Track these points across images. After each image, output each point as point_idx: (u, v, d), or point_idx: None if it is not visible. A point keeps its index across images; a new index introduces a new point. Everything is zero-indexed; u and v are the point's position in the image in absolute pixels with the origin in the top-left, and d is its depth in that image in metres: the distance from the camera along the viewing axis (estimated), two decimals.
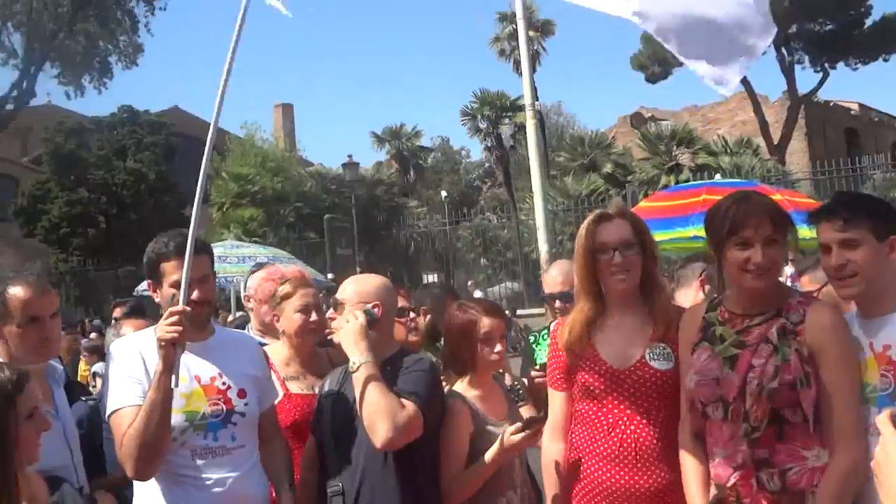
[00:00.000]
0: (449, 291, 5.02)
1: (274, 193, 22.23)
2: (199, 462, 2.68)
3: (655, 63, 32.91)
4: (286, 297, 3.32)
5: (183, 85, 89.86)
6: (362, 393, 2.65)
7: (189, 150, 33.89)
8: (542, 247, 10.85)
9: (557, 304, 3.81)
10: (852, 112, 38.93)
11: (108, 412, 2.69)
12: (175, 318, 2.54)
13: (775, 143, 30.56)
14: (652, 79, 33.94)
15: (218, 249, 12.43)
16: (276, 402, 3.06)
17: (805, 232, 2.86)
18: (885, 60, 31.90)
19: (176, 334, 2.53)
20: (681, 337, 2.63)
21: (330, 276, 13.89)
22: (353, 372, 2.71)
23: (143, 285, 12.94)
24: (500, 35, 30.48)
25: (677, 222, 6.13)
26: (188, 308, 2.59)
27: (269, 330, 3.70)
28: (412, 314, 3.44)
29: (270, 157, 24.67)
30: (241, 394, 2.79)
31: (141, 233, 26.86)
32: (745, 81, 31.64)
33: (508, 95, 27.45)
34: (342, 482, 2.76)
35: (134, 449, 2.54)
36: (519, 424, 2.74)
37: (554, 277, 3.94)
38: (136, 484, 2.72)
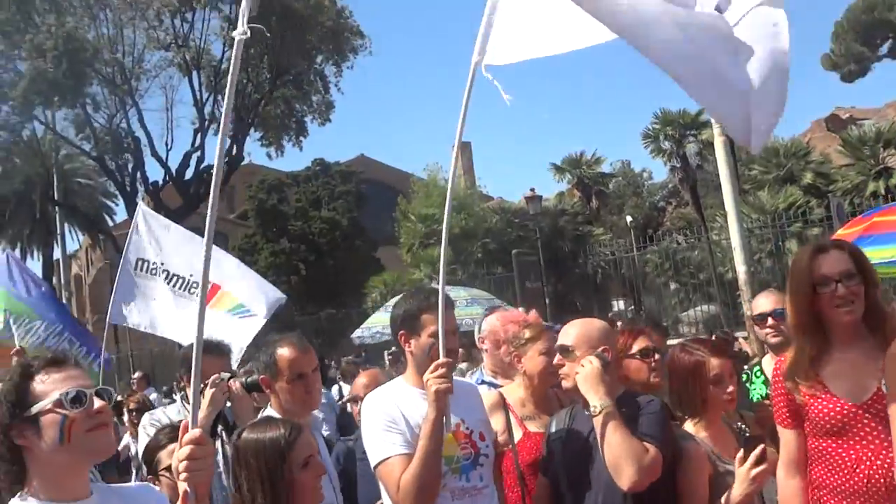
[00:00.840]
0: (653, 323, 4.90)
1: (460, 231, 22.72)
2: (457, 502, 2.92)
3: (851, 60, 30.68)
4: (532, 339, 3.40)
5: (367, 133, 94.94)
6: (604, 435, 2.71)
7: (376, 195, 35.74)
8: (740, 268, 10.29)
9: (770, 321, 3.77)
10: None
11: (375, 462, 2.92)
12: (443, 370, 2.79)
13: None
14: (848, 77, 31.67)
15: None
16: (517, 441, 3.24)
17: None
18: None
19: (449, 384, 2.78)
20: (892, 370, 2.44)
21: (520, 310, 13.95)
22: (596, 415, 2.75)
23: (359, 332, 13.96)
24: None
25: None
26: (451, 360, 2.83)
27: (502, 371, 3.81)
28: (657, 355, 3.30)
29: (453, 196, 25.33)
30: (482, 437, 3.04)
31: (337, 277, 28.64)
32: None
33: (690, 112, 26.57)
34: None
35: (414, 494, 2.77)
36: (741, 454, 2.69)
37: (765, 300, 3.93)
38: None
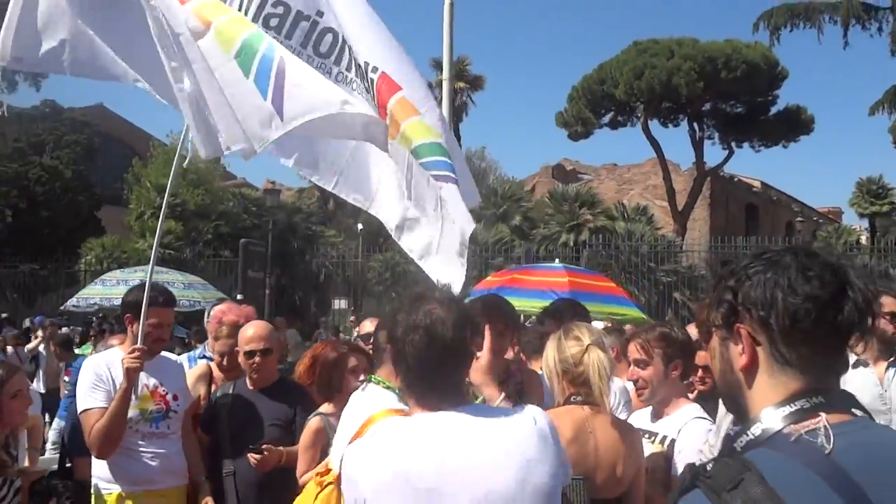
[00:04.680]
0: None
1: (195, 208, 22.29)
2: (145, 442, 3.83)
3: (579, 122, 34.50)
4: (226, 335, 4.44)
5: (111, 83, 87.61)
6: None
7: (110, 152, 33.46)
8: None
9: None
10: (754, 189, 41.61)
11: (80, 409, 3.80)
12: (137, 353, 3.65)
13: (679, 209, 32.47)
14: (574, 137, 35.47)
15: (139, 274, 13.17)
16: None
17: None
18: (785, 147, 34.41)
19: (138, 364, 3.65)
20: None
21: (239, 297, 14.34)
22: None
23: (74, 301, 13.98)
24: (432, 83, 31.55)
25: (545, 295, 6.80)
26: (145, 347, 3.72)
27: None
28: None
29: (192, 169, 24.60)
30: (175, 398, 3.97)
31: (50, 230, 26.50)
32: (657, 148, 33.64)
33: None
34: (234, 466, 3.88)
35: (100, 439, 3.67)
36: None
37: (369, 323, 5.09)
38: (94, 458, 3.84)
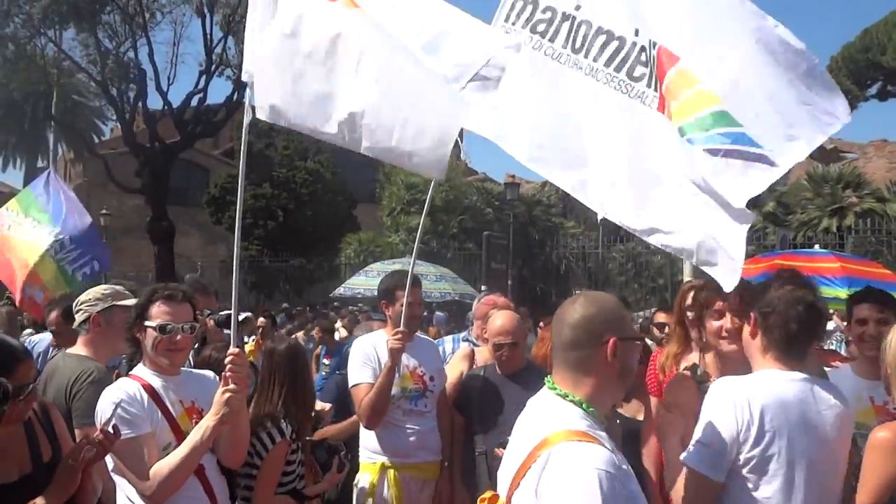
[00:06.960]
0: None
1: (441, 203, 23.29)
2: (405, 418, 4.25)
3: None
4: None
5: None
6: None
7: (362, 154, 36.08)
8: (686, 278, 11.28)
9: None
10: None
11: (351, 384, 4.30)
12: (399, 335, 4.07)
13: None
14: None
15: (396, 266, 14.11)
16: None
17: None
18: None
19: (401, 345, 4.06)
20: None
21: (483, 288, 14.89)
22: None
23: (341, 290, 15.34)
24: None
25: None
26: (407, 330, 4.11)
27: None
28: None
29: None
30: (432, 378, 4.36)
31: (314, 228, 29.17)
32: None
33: None
34: (486, 446, 4.06)
35: (368, 410, 4.14)
36: None
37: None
38: (362, 429, 4.32)
